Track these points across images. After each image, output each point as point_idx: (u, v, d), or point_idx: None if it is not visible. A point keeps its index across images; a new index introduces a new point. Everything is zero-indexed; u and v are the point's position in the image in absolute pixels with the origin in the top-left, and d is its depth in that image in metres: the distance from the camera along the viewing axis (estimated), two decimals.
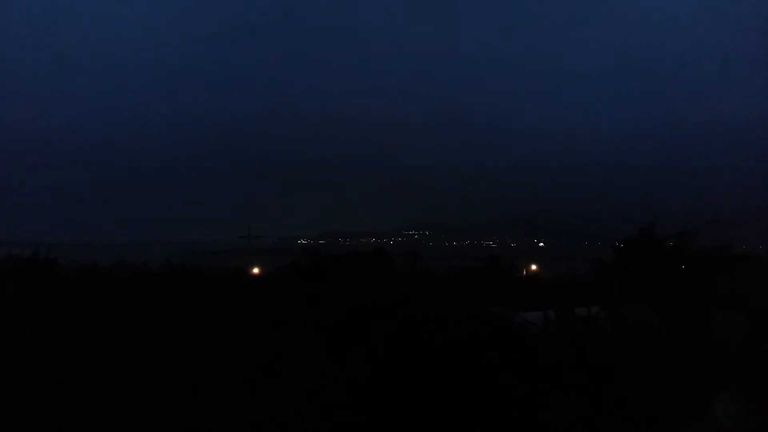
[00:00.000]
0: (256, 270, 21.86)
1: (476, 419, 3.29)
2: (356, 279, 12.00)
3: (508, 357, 3.74)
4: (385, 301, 5.51)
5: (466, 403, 3.35)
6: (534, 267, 27.32)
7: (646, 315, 4.46)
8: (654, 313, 4.56)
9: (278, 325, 4.62)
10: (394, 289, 7.58)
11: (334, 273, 15.25)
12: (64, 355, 3.66)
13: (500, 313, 5.22)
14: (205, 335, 4.15)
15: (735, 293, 6.35)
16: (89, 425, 3.18)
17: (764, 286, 7.48)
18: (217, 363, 3.76)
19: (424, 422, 3.29)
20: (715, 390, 3.53)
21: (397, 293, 6.39)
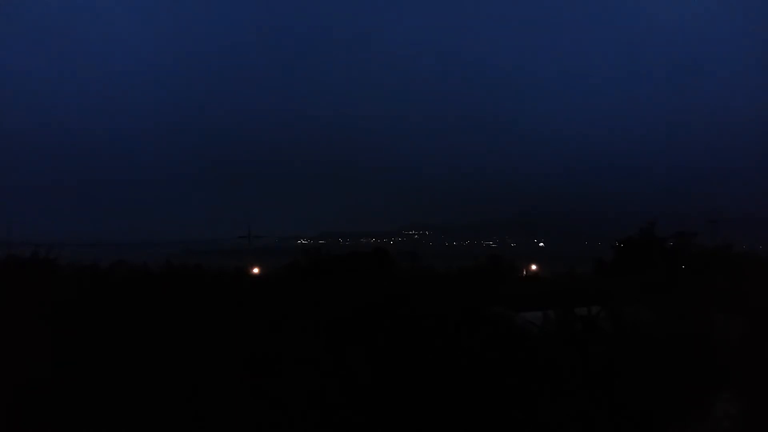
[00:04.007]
0: (256, 270, 21.87)
1: (477, 419, 3.29)
2: (356, 279, 12.00)
3: (509, 357, 3.74)
4: (385, 300, 5.51)
5: (466, 403, 3.35)
6: (534, 267, 27.39)
7: (646, 315, 4.47)
8: (654, 313, 4.57)
9: (278, 325, 4.62)
10: (394, 289, 7.57)
11: (334, 273, 15.25)
12: (63, 356, 3.66)
13: (501, 313, 5.23)
14: (205, 335, 4.15)
15: (735, 293, 6.35)
16: (88, 426, 3.18)
17: (764, 286, 7.48)
18: (216, 363, 3.76)
19: (425, 422, 3.29)
20: (715, 390, 3.53)
21: (397, 293, 6.39)
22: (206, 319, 4.56)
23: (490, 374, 3.54)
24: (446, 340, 3.98)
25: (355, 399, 3.42)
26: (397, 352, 3.90)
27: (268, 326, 4.60)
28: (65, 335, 3.91)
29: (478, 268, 20.02)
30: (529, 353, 3.85)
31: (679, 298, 6.05)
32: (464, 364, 3.64)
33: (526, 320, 4.67)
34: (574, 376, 3.47)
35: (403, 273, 16.96)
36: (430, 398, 3.40)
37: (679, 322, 4.40)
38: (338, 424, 3.27)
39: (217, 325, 4.45)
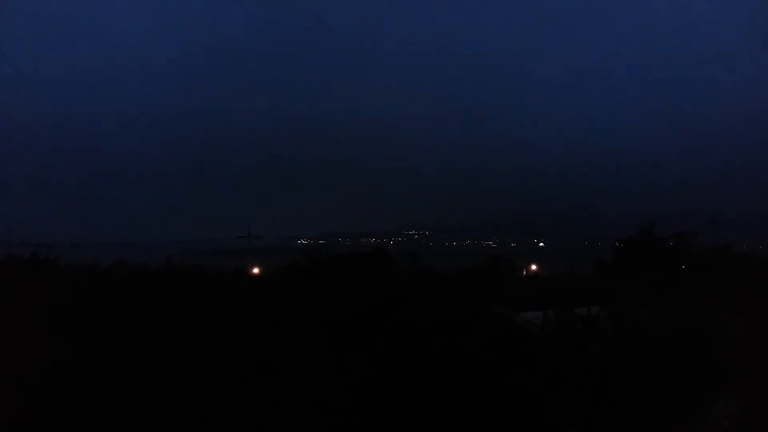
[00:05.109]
0: (256, 270, 21.83)
1: (477, 419, 3.29)
2: (356, 279, 12.00)
3: (509, 357, 3.74)
4: (385, 300, 5.50)
5: (466, 404, 3.35)
6: (534, 267, 27.35)
7: (646, 315, 4.46)
8: (654, 313, 4.57)
9: (278, 325, 4.62)
10: (394, 289, 7.57)
11: (334, 273, 15.24)
12: (63, 356, 3.66)
13: (501, 313, 5.22)
14: (205, 335, 4.15)
15: (735, 293, 6.35)
16: (89, 426, 3.18)
17: (764, 286, 7.48)
18: (217, 363, 3.76)
19: (425, 422, 3.29)
20: (715, 390, 3.53)
21: (397, 293, 6.39)
22: (206, 319, 4.56)
23: (490, 374, 3.54)
24: (446, 340, 3.98)
25: (355, 399, 3.42)
26: (397, 352, 3.90)
27: (268, 326, 4.60)
28: (65, 335, 3.91)
29: (478, 268, 19.99)
30: (529, 353, 3.85)
31: (679, 298, 6.05)
32: (464, 364, 3.64)
33: (526, 320, 4.66)
34: (574, 376, 3.47)
35: (403, 273, 16.93)
36: (430, 398, 3.40)
37: (679, 322, 4.40)
38: (338, 424, 3.27)
39: (218, 325, 4.45)
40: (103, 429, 3.16)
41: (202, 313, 4.69)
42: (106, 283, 6.90)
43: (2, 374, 3.43)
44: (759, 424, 3.41)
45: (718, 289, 7.45)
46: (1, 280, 5.79)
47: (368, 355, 3.89)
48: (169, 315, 4.55)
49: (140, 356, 3.71)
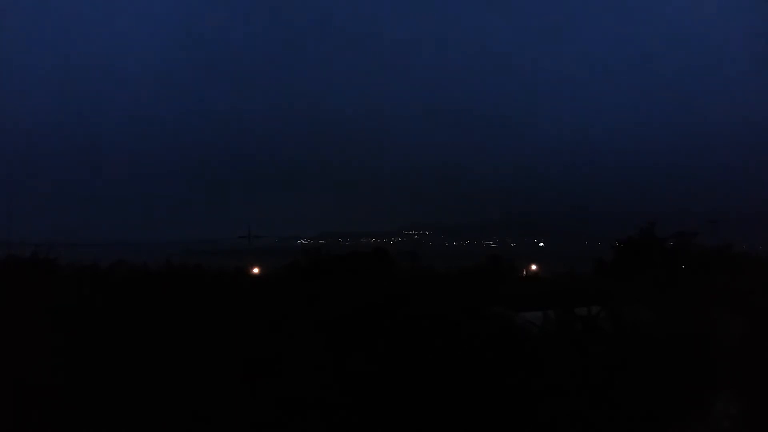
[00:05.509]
0: (256, 270, 21.83)
1: (477, 419, 3.29)
2: (356, 279, 12.00)
3: (509, 357, 3.74)
4: (385, 300, 5.50)
5: (466, 403, 3.35)
6: (534, 267, 27.38)
7: (646, 315, 4.46)
8: (654, 313, 4.57)
9: (278, 325, 4.62)
10: (394, 289, 7.57)
11: (334, 273, 15.25)
12: (63, 356, 3.66)
13: (501, 313, 5.22)
14: (205, 335, 4.15)
15: (735, 293, 6.35)
16: (88, 426, 3.18)
17: (764, 286, 7.48)
18: (216, 363, 3.76)
19: (425, 422, 3.29)
20: (715, 390, 3.53)
21: (397, 293, 6.39)
22: (206, 319, 4.56)
23: (490, 374, 3.54)
24: (446, 340, 3.98)
25: (355, 399, 3.42)
26: (397, 352, 3.90)
27: (268, 326, 4.60)
28: (65, 335, 3.91)
29: (478, 268, 19.99)
30: (529, 353, 3.85)
31: (679, 298, 6.05)
32: (464, 364, 3.64)
33: (526, 320, 4.66)
34: (574, 376, 3.47)
35: (403, 273, 16.93)
36: (430, 398, 3.40)
37: (679, 322, 4.40)
38: (338, 424, 3.27)
39: (217, 325, 4.45)
40: (103, 429, 3.16)
41: (203, 313, 4.69)
42: (106, 283, 6.90)
43: (2, 374, 3.43)
44: (759, 424, 3.41)
45: (718, 289, 7.46)
46: (1, 280, 5.79)
47: (368, 355, 3.89)
48: (169, 315, 4.55)
49: (140, 356, 3.71)
